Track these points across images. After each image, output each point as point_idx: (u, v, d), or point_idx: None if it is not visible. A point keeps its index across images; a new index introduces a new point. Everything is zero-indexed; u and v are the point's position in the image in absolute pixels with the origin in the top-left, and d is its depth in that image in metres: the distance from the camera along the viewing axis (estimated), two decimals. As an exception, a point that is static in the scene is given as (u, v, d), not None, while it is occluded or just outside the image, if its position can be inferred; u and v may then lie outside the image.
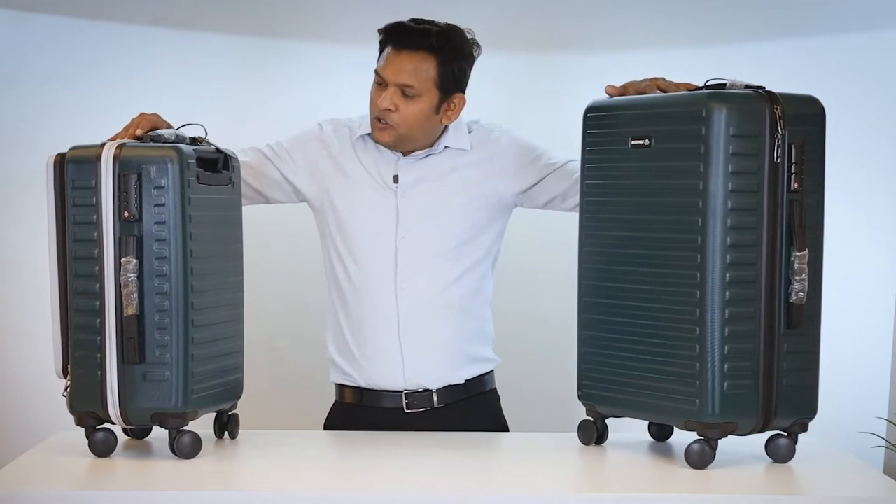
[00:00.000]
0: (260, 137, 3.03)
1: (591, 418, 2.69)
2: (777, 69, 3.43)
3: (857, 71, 3.69)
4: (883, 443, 2.79)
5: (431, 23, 2.93)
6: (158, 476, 2.49)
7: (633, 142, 2.57)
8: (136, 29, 3.79)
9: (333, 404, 3.08)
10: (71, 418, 2.56)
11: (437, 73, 2.90)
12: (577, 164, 2.95)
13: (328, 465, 2.68)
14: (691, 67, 2.81)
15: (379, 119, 2.92)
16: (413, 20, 2.93)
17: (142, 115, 2.71)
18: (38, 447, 2.68)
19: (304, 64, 3.85)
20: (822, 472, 2.54)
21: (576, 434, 2.72)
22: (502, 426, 3.09)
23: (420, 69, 2.89)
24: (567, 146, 3.03)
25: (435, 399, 2.97)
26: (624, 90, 2.69)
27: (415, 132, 2.94)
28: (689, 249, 2.46)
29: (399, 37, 2.91)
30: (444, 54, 2.90)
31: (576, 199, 2.94)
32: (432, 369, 2.97)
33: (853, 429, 2.92)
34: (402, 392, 2.97)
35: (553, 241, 3.79)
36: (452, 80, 2.93)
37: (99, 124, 3.77)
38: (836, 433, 2.79)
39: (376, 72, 2.92)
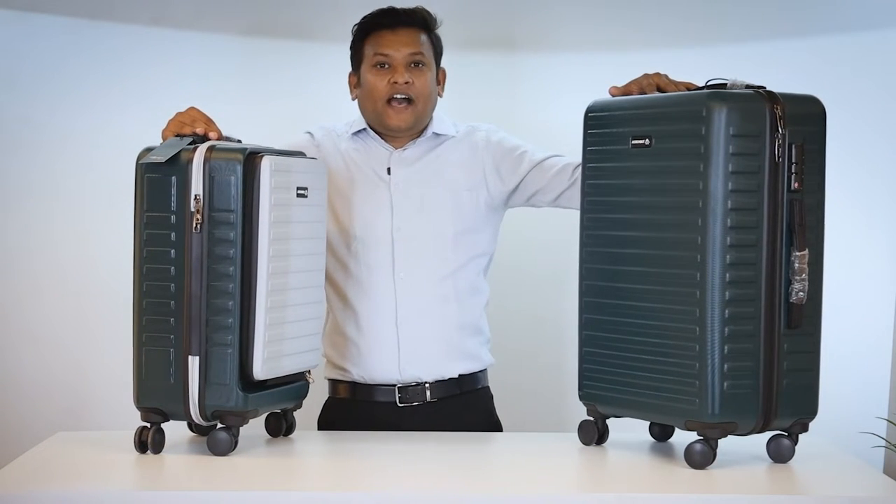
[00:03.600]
0: (259, 137, 3.03)
1: (591, 418, 2.68)
2: (777, 69, 3.42)
3: (857, 71, 3.68)
4: (883, 443, 2.79)
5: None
6: (157, 476, 2.50)
7: (634, 142, 2.56)
8: (136, 29, 3.78)
9: (327, 400, 3.09)
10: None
11: (432, 45, 3.01)
12: (559, 159, 3.00)
13: (337, 467, 2.68)
14: (691, 67, 2.81)
15: (393, 102, 2.95)
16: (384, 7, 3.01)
17: (196, 109, 2.69)
18: (38, 447, 2.68)
19: (303, 64, 3.84)
20: (822, 472, 2.53)
21: (575, 434, 2.71)
22: (495, 423, 3.10)
23: (422, 40, 2.98)
24: (566, 147, 3.03)
25: (428, 394, 2.99)
26: (627, 90, 2.70)
27: (427, 106, 3.00)
28: (689, 249, 2.45)
29: (391, 17, 2.99)
30: (430, 27, 3.01)
31: (555, 193, 3.01)
32: (427, 360, 2.99)
33: (853, 429, 2.92)
34: (395, 386, 2.99)
35: (549, 240, 3.79)
36: (439, 52, 3.04)
37: (99, 124, 3.79)
38: (836, 433, 2.78)
39: (378, 54, 2.96)
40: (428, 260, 3.00)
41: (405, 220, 3.00)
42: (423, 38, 3.00)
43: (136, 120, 2.93)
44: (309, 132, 3.09)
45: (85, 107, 3.78)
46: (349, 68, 3.09)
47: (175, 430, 2.65)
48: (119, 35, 3.78)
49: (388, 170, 3.01)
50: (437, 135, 3.05)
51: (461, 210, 3.02)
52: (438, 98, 3.05)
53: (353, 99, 3.06)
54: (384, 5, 3.05)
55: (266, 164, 2.54)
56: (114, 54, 3.78)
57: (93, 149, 3.72)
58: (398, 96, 2.96)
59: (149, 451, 2.57)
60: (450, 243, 3.01)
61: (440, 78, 3.05)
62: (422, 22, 3.01)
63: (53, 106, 3.79)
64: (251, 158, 2.54)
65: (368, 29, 3.01)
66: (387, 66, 2.97)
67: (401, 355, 2.99)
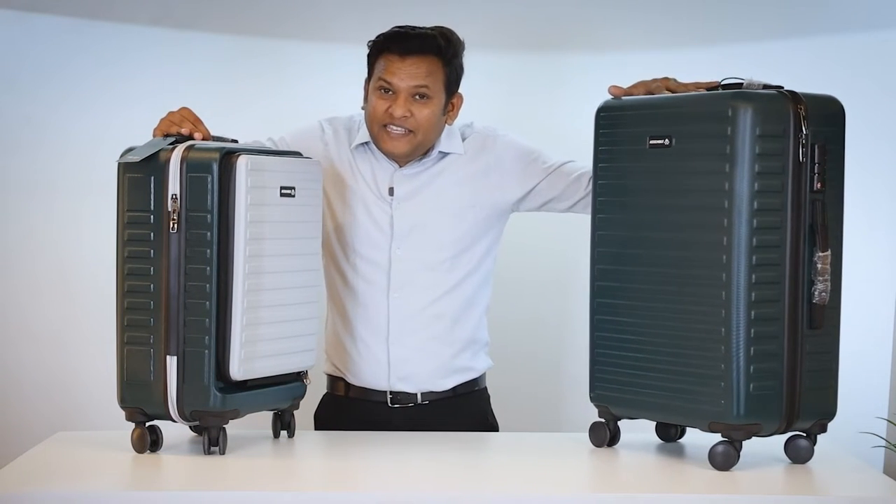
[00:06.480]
0: (259, 136, 3.02)
1: (603, 420, 2.64)
2: (777, 69, 3.41)
3: (857, 71, 3.67)
4: (883, 443, 2.78)
5: (421, 28, 2.89)
6: (156, 476, 2.47)
7: (652, 141, 2.52)
8: (136, 29, 3.77)
9: (324, 395, 3.06)
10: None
11: (444, 75, 2.88)
12: (575, 166, 2.94)
13: (336, 467, 2.65)
14: (692, 68, 2.78)
15: (389, 127, 2.87)
16: (404, 27, 2.89)
17: (187, 109, 2.66)
18: (38, 447, 2.65)
19: (304, 64, 3.83)
20: (823, 472, 2.50)
21: (579, 433, 2.68)
22: (490, 424, 3.04)
23: (431, 71, 2.86)
24: (568, 147, 3.01)
25: (419, 398, 2.95)
26: (632, 90, 2.65)
27: (429, 136, 2.90)
28: (714, 250, 2.41)
29: (402, 43, 2.86)
30: (448, 55, 2.88)
31: (572, 201, 2.94)
32: (417, 377, 2.94)
33: (853, 429, 2.90)
34: (386, 390, 2.96)
35: (548, 244, 3.77)
36: (455, 80, 2.91)
37: (99, 124, 3.78)
38: (836, 433, 2.77)
39: (382, 79, 2.86)
40: (424, 281, 2.93)
41: (404, 242, 2.93)
42: (433, 67, 2.87)
43: (137, 120, 2.91)
44: (320, 124, 3.01)
45: (85, 107, 3.77)
46: (348, 68, 3.08)
47: (175, 430, 2.63)
48: (119, 35, 3.76)
49: (391, 189, 2.94)
50: (443, 153, 2.96)
51: (463, 229, 2.94)
52: (447, 125, 2.94)
53: (363, 108, 2.96)
54: (384, 8, 3.00)
55: (242, 163, 2.48)
56: (114, 54, 3.77)
57: (93, 149, 3.71)
58: (394, 127, 2.87)
59: (147, 451, 2.56)
60: (447, 265, 2.94)
61: (454, 103, 2.93)
62: (435, 50, 2.86)
63: (54, 106, 3.77)
64: (227, 158, 2.49)
65: (380, 50, 2.89)
66: (390, 92, 2.86)
67: (391, 371, 2.94)
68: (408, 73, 2.86)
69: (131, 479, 2.48)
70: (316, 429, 3.04)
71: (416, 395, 2.96)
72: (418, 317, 2.94)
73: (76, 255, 3.79)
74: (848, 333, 2.60)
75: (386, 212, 2.94)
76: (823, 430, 2.53)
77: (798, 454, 2.53)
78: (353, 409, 2.99)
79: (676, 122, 2.49)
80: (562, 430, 3.68)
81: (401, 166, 2.95)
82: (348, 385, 3.00)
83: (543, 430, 3.47)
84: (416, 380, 2.95)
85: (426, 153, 2.95)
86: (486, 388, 3.06)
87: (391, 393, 2.96)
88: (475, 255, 2.97)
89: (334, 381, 3.03)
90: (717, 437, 2.45)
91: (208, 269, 2.48)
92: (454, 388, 2.98)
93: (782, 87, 2.46)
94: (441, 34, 2.89)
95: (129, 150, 2.54)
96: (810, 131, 2.42)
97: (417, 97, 2.86)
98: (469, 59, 2.96)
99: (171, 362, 2.50)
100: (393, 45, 2.87)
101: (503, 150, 2.98)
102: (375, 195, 2.95)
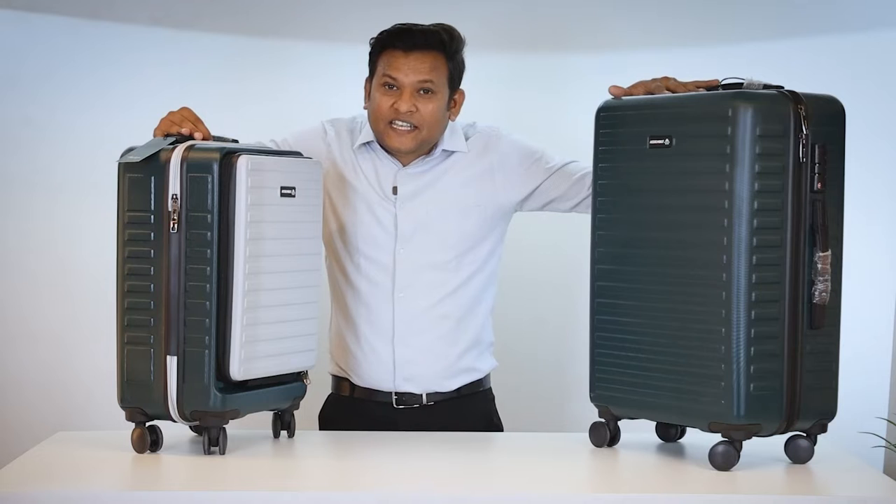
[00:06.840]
0: (260, 137, 3.02)
1: (603, 420, 2.63)
2: (777, 69, 3.41)
3: (857, 71, 3.67)
4: (883, 443, 2.78)
5: (422, 25, 2.89)
6: (156, 476, 2.46)
7: (652, 141, 2.50)
8: (136, 29, 3.77)
9: (329, 395, 3.06)
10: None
11: (447, 70, 2.88)
12: (578, 166, 2.93)
13: (337, 467, 2.65)
14: (692, 67, 2.76)
15: (395, 123, 2.87)
16: (406, 24, 2.89)
17: (187, 109, 2.65)
18: (38, 447, 2.64)
19: (304, 64, 3.83)
20: (822, 472, 2.49)
21: (581, 433, 2.67)
22: (495, 425, 3.04)
23: (435, 66, 2.86)
24: (569, 146, 3.02)
25: (424, 398, 2.95)
26: (632, 90, 2.64)
27: (433, 132, 2.89)
28: (714, 250, 2.39)
29: (405, 39, 2.86)
30: (451, 50, 2.88)
31: (575, 201, 2.93)
32: (422, 378, 2.94)
33: (853, 429, 2.91)
34: (392, 391, 2.95)
35: (550, 244, 3.77)
36: (458, 76, 2.91)
37: (99, 124, 3.79)
38: (836, 433, 2.77)
39: (386, 75, 2.85)
40: (428, 281, 2.93)
41: (408, 242, 2.92)
42: (437, 62, 2.87)
43: (137, 120, 2.91)
44: (323, 125, 3.01)
45: (85, 107, 3.77)
46: (349, 68, 3.07)
47: (175, 430, 2.63)
48: (119, 35, 3.76)
49: (394, 189, 2.94)
50: (447, 151, 2.96)
51: (467, 229, 2.94)
52: (450, 121, 2.94)
53: (365, 108, 2.96)
54: (385, 8, 3.00)
55: (242, 163, 2.47)
56: (114, 54, 3.77)
57: (93, 149, 3.71)
58: (400, 123, 2.87)
59: (147, 451, 2.56)
60: (452, 264, 2.93)
61: (456, 100, 2.93)
62: (439, 45, 2.87)
63: (54, 106, 3.77)
64: (228, 158, 2.48)
65: (383, 46, 2.89)
66: (394, 87, 2.86)
67: (396, 372, 2.93)
68: (412, 68, 2.85)
69: (131, 479, 2.47)
70: (321, 429, 3.02)
71: (421, 395, 2.95)
72: (423, 317, 2.93)
73: (76, 255, 3.79)
74: (848, 333, 2.60)
75: (390, 211, 2.94)
76: (823, 430, 2.52)
77: (798, 454, 2.53)
78: (358, 410, 2.98)
79: (677, 122, 2.48)
80: (564, 429, 3.68)
81: (404, 165, 2.94)
82: (353, 385, 2.99)
83: (546, 430, 3.47)
84: (422, 380, 2.94)
85: (430, 152, 2.94)
86: (490, 388, 3.06)
87: (396, 394, 2.95)
88: (480, 254, 2.96)
89: (339, 381, 3.03)
90: (717, 437, 2.44)
91: (208, 269, 2.48)
92: (459, 389, 2.97)
93: (782, 87, 2.45)
94: (444, 30, 2.89)
95: (130, 150, 2.54)
96: (810, 131, 2.41)
97: (422, 92, 2.86)
98: (470, 59, 2.96)
99: (171, 362, 2.50)
100: (396, 41, 2.87)
101: (507, 150, 2.98)
102: (379, 195, 2.94)
